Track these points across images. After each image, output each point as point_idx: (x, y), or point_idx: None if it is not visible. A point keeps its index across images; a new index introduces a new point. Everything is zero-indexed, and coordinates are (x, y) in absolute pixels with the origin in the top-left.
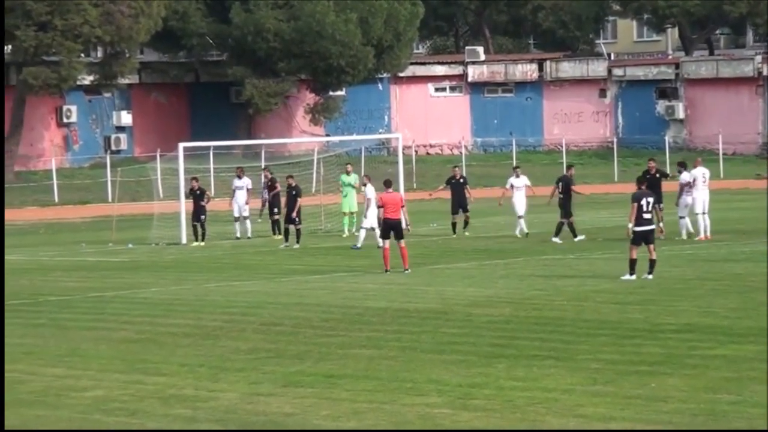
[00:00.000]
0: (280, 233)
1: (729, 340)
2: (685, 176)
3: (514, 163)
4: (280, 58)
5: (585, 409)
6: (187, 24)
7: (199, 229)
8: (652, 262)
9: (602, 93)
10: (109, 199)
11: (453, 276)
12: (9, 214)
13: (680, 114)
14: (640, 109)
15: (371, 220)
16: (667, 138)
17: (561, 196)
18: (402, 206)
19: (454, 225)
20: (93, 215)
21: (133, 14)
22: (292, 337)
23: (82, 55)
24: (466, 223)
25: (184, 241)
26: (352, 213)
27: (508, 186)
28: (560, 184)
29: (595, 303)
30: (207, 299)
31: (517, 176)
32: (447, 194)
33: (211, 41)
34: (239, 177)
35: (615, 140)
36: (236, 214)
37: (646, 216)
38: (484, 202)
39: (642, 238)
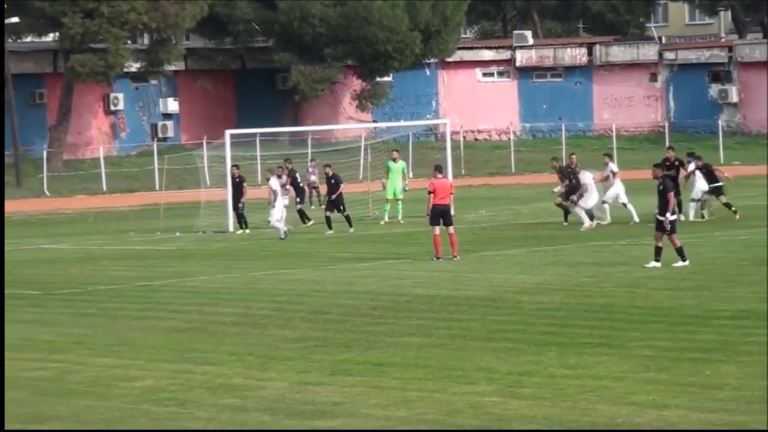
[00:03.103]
0: (309, 220)
1: None
2: (691, 167)
3: (563, 149)
4: (326, 44)
5: (637, 396)
6: (234, 10)
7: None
8: (679, 250)
9: (653, 77)
10: (157, 187)
11: (502, 263)
12: (59, 203)
13: (734, 98)
14: (693, 93)
15: (276, 213)
16: (720, 122)
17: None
18: (451, 193)
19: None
20: (140, 203)
21: (180, 1)
22: (340, 325)
23: (129, 42)
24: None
25: (230, 229)
26: (398, 200)
27: None
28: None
29: (647, 289)
30: (255, 288)
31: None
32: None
33: (257, 27)
34: (278, 177)
35: (666, 125)
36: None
37: None
38: (530, 189)
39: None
